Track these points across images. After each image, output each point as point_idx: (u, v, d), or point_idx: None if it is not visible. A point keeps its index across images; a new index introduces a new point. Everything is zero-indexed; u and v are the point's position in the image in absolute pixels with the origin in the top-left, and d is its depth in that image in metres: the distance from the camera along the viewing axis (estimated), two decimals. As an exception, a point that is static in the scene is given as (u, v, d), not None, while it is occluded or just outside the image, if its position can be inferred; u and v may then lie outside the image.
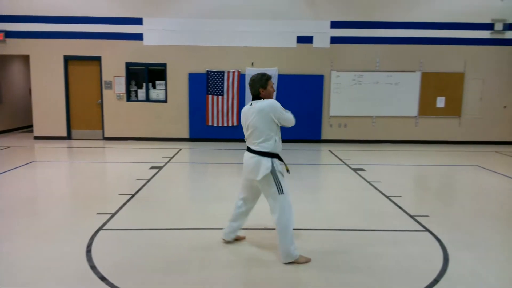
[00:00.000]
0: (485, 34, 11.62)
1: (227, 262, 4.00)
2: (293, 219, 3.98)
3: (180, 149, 10.54)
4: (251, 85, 4.02)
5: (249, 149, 4.00)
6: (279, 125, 3.92)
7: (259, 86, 3.97)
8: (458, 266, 3.93)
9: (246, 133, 4.02)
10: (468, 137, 12.06)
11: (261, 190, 4.03)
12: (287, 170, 4.05)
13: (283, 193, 3.90)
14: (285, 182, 3.96)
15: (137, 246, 4.35)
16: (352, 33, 11.56)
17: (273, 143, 3.89)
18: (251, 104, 3.96)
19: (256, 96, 4.01)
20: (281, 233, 3.92)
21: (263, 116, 3.83)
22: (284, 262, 3.95)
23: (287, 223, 3.90)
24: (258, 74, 4.04)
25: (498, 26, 11.47)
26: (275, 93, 4.08)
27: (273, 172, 3.87)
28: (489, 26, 11.57)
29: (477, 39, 11.62)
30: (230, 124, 11.73)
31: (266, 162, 3.86)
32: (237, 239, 4.50)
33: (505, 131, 12.10)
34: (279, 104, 3.89)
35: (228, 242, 4.43)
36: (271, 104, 3.85)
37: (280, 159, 4.01)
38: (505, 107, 11.97)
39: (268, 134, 3.86)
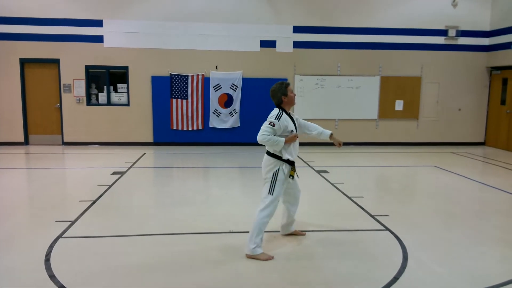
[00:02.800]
0: (439, 40, 12.14)
1: (191, 266, 3.97)
2: (267, 221, 4.17)
3: (144, 154, 10.37)
4: (272, 96, 4.27)
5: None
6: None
7: (281, 95, 4.23)
8: (417, 264, 4.08)
9: None
10: (425, 139, 12.54)
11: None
12: (291, 176, 4.26)
13: (272, 194, 4.14)
14: (280, 188, 4.18)
15: (98, 254, 4.25)
16: (314, 38, 11.78)
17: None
18: None
19: (278, 105, 4.27)
20: (253, 227, 4.13)
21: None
22: (246, 254, 4.13)
23: (261, 222, 4.12)
24: (277, 83, 4.28)
25: (452, 33, 12.01)
26: (295, 97, 4.48)
27: (274, 172, 4.16)
28: (443, 32, 12.09)
29: (432, 44, 12.12)
30: (195, 128, 11.64)
31: (270, 160, 4.20)
32: (295, 234, 4.77)
33: (460, 133, 12.66)
34: (272, 118, 4.14)
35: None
36: (271, 115, 4.19)
37: (289, 163, 4.23)
38: (459, 109, 12.53)
39: None
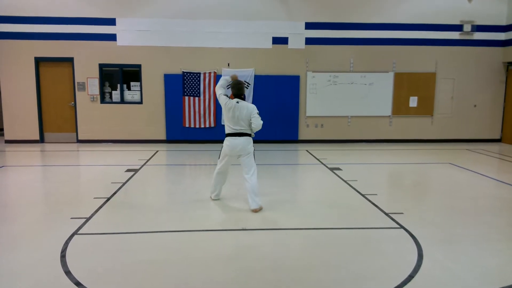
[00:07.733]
0: (454, 35, 11.95)
1: (203, 263, 3.98)
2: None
3: (157, 151, 10.43)
4: (243, 88, 5.75)
5: (236, 134, 5.52)
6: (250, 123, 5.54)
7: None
8: (432, 262, 4.03)
9: (232, 121, 5.50)
10: (440, 135, 12.38)
11: (245, 160, 5.63)
12: None
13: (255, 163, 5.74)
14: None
15: (112, 250, 4.28)
16: (327, 34, 11.69)
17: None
18: (237, 102, 5.49)
19: (240, 96, 5.64)
20: (256, 189, 5.59)
21: (249, 113, 5.50)
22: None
23: (256, 182, 5.63)
24: (239, 80, 5.85)
25: (467, 28, 11.82)
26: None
27: (253, 147, 5.73)
28: (458, 27, 11.91)
29: (447, 39, 11.94)
30: (207, 126, 11.68)
31: (250, 139, 5.67)
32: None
33: (476, 129, 12.47)
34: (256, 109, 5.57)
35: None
36: (253, 107, 5.56)
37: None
38: (475, 106, 12.34)
39: (248, 124, 5.57)
